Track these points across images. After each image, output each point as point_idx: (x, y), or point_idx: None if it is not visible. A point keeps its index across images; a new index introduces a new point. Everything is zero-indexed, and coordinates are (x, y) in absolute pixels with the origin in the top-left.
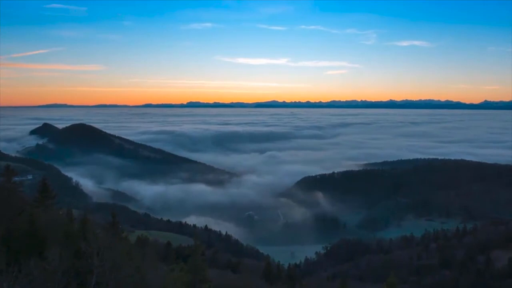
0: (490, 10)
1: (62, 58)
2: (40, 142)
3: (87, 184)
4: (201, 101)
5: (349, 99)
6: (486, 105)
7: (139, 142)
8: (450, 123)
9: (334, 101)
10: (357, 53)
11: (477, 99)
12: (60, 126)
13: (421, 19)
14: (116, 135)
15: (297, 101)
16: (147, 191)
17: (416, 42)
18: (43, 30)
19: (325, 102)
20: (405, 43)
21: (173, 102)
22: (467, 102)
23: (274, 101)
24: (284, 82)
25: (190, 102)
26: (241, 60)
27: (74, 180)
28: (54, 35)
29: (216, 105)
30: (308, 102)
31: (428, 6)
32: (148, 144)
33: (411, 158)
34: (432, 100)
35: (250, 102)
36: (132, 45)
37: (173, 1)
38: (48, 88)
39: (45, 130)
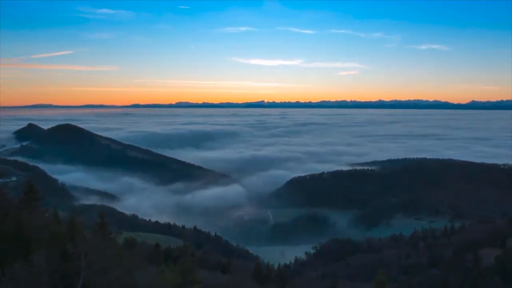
0: (485, 11)
1: (78, 59)
2: (25, 143)
3: (73, 185)
4: (190, 101)
5: (339, 99)
6: (474, 105)
7: (126, 143)
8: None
9: (323, 101)
10: (372, 56)
11: (465, 99)
12: (46, 126)
13: (436, 22)
14: (103, 136)
15: (287, 101)
16: (135, 191)
17: (436, 46)
18: (79, 33)
19: (315, 102)
20: (423, 47)
21: (162, 102)
22: (455, 102)
23: (263, 101)
24: (287, 83)
25: (179, 103)
26: (254, 61)
27: (60, 182)
28: (85, 38)
29: (205, 105)
30: (298, 102)
31: (435, 8)
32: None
33: (400, 158)
34: (421, 100)
35: (240, 102)
36: (155, 47)
37: (216, 3)
38: (33, 88)
39: (29, 130)
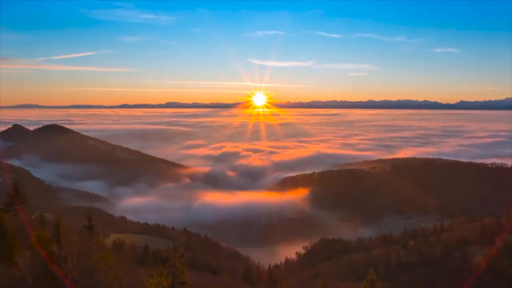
0: (479, 12)
1: (95, 61)
2: (10, 144)
3: (60, 186)
4: (179, 102)
5: (329, 99)
6: (462, 105)
7: (114, 143)
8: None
9: (314, 101)
10: (384, 58)
11: (453, 99)
12: (32, 127)
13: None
14: (91, 136)
15: (278, 101)
16: (124, 193)
17: (451, 49)
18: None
19: (305, 103)
20: (439, 50)
21: (151, 103)
22: (444, 102)
23: (250, 101)
24: (289, 83)
25: (169, 103)
26: (269, 63)
27: (46, 183)
28: (115, 40)
29: (195, 105)
30: (288, 102)
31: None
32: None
33: (389, 158)
34: (411, 101)
35: (231, 102)
36: (175, 49)
37: (250, 6)
38: (21, 88)
39: (15, 131)
